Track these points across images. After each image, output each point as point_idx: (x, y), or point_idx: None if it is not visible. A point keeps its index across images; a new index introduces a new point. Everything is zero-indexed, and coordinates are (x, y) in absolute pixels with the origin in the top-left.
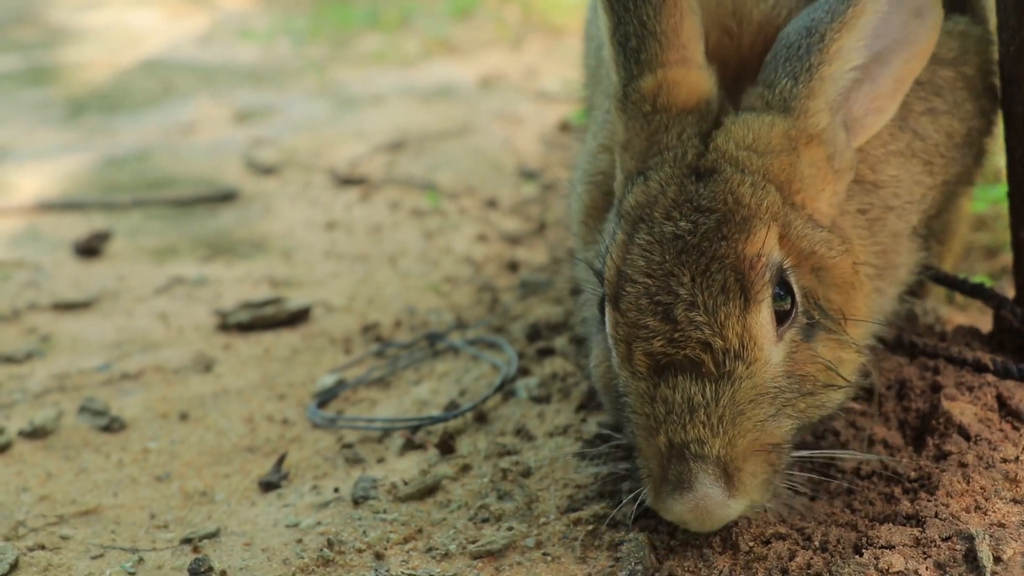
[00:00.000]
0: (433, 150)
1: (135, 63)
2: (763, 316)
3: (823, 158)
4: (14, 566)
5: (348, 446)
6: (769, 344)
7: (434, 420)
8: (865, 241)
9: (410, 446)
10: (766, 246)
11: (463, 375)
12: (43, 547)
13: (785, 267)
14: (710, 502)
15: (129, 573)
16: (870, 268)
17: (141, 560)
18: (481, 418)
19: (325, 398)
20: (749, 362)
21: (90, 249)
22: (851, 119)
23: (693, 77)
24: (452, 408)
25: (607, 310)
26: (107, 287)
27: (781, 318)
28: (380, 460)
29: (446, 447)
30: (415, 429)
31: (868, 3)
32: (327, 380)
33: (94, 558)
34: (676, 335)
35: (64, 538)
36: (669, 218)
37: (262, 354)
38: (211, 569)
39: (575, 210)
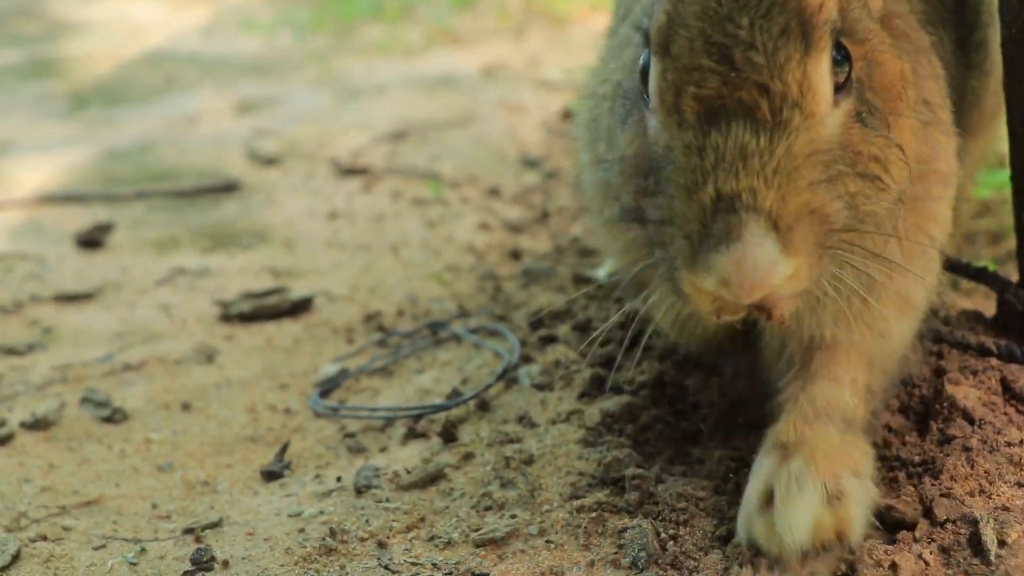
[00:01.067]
0: (436, 140)
1: (137, 55)
2: (823, 66)
3: None
4: (16, 557)
5: (351, 435)
6: (827, 100)
7: (436, 408)
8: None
9: (413, 435)
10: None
11: (465, 363)
12: (45, 538)
13: (842, 35)
14: (760, 255)
15: (131, 563)
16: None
17: (143, 550)
18: (483, 406)
19: (327, 387)
20: (807, 114)
21: (92, 241)
22: None
23: None
24: (454, 396)
25: (653, 62)
26: (109, 278)
27: (838, 86)
28: (383, 449)
29: (448, 435)
30: (417, 418)
31: None
32: (329, 369)
33: (96, 549)
34: (732, 75)
35: (66, 529)
36: None
37: (264, 344)
38: (213, 559)
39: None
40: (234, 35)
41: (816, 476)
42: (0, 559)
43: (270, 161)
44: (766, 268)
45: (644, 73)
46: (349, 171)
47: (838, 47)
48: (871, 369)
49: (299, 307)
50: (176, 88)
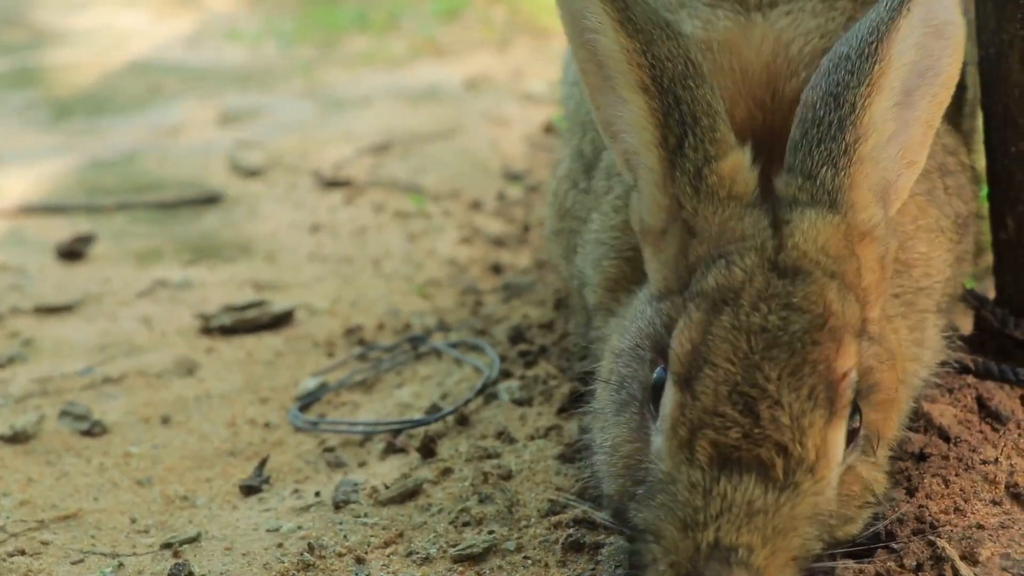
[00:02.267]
0: (419, 152)
1: (122, 65)
2: (841, 432)
3: (877, 258)
4: None
5: (330, 450)
6: (837, 463)
7: (416, 423)
8: (902, 325)
9: (392, 449)
10: (853, 361)
11: (445, 378)
12: (23, 552)
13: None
14: None
15: None
16: (908, 363)
17: (121, 565)
18: (463, 421)
19: (307, 401)
20: (817, 478)
21: (73, 252)
22: (887, 186)
23: (746, 160)
24: (434, 411)
25: (671, 391)
26: (90, 290)
27: (849, 438)
28: (362, 464)
29: (428, 450)
30: (397, 433)
31: (893, 53)
32: (309, 383)
33: (74, 563)
34: (755, 431)
35: (44, 543)
36: (757, 309)
37: (245, 357)
38: (191, 574)
39: (592, 277)
40: (219, 45)
41: None
42: None
43: (253, 173)
44: None
45: (656, 389)
46: (332, 183)
47: (854, 402)
48: None
49: (280, 320)
50: (160, 98)
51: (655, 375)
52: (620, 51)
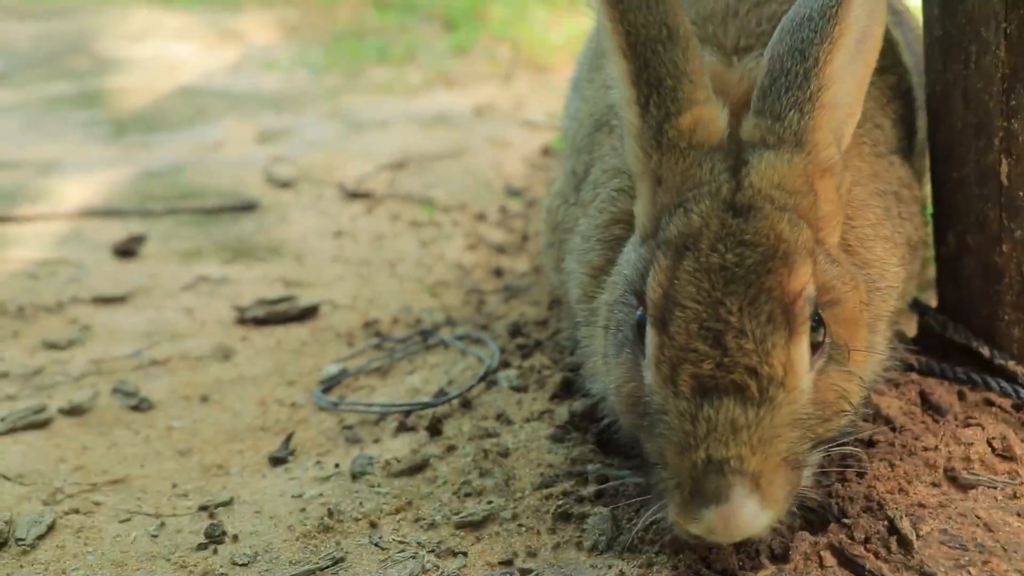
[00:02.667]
0: (431, 169)
1: (172, 89)
2: (803, 347)
3: (834, 189)
4: (51, 527)
5: (348, 427)
6: (805, 372)
7: (425, 405)
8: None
9: (403, 428)
10: (806, 281)
11: (451, 367)
12: (77, 511)
13: (816, 301)
14: (744, 512)
15: (152, 536)
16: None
17: (163, 524)
18: (466, 404)
19: (329, 385)
20: (789, 389)
21: (127, 250)
22: (840, 130)
23: (716, 115)
24: (441, 395)
25: (650, 333)
26: (141, 284)
27: (813, 348)
28: (376, 440)
29: (435, 429)
30: (408, 413)
31: (851, 17)
32: (331, 369)
33: (122, 522)
34: (725, 360)
35: (96, 504)
36: (715, 250)
37: (275, 345)
38: (224, 533)
39: (577, 271)
40: (257, 73)
41: None
42: (37, 529)
43: (285, 184)
44: (748, 522)
45: (640, 329)
46: (354, 195)
47: (815, 316)
48: None
49: (306, 314)
50: (205, 118)
51: (637, 317)
52: (605, 20)
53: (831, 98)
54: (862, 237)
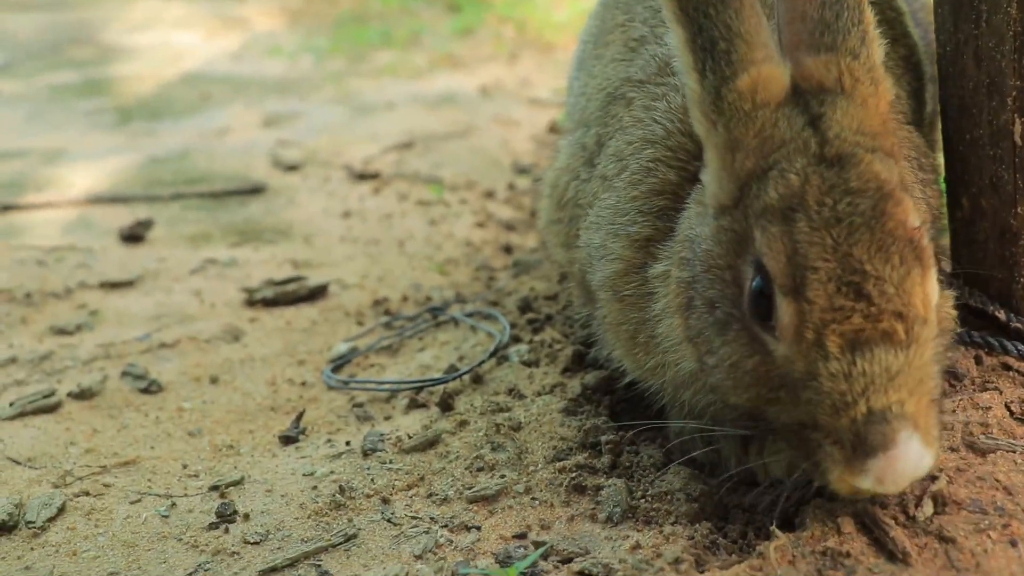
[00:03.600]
0: (438, 149)
1: (177, 76)
2: (934, 279)
3: (888, 104)
4: (62, 509)
5: (359, 405)
6: (937, 303)
7: (436, 382)
8: None
9: (414, 405)
10: (915, 211)
11: (462, 343)
12: (87, 493)
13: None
14: (912, 456)
15: (163, 516)
16: None
17: (174, 504)
18: (477, 380)
19: (339, 364)
20: (931, 324)
21: (134, 236)
22: None
23: (778, 72)
24: (452, 371)
25: (783, 303)
26: (148, 268)
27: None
28: (387, 417)
29: (446, 405)
30: (419, 390)
31: None
32: (341, 348)
33: (132, 503)
34: (872, 309)
35: (106, 485)
36: (823, 204)
37: (284, 326)
38: (236, 512)
39: (611, 248)
40: (261, 59)
41: None
42: (47, 511)
43: (292, 167)
44: (916, 465)
45: (757, 301)
46: (361, 176)
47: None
48: None
49: (315, 293)
50: (210, 105)
51: (753, 286)
52: None
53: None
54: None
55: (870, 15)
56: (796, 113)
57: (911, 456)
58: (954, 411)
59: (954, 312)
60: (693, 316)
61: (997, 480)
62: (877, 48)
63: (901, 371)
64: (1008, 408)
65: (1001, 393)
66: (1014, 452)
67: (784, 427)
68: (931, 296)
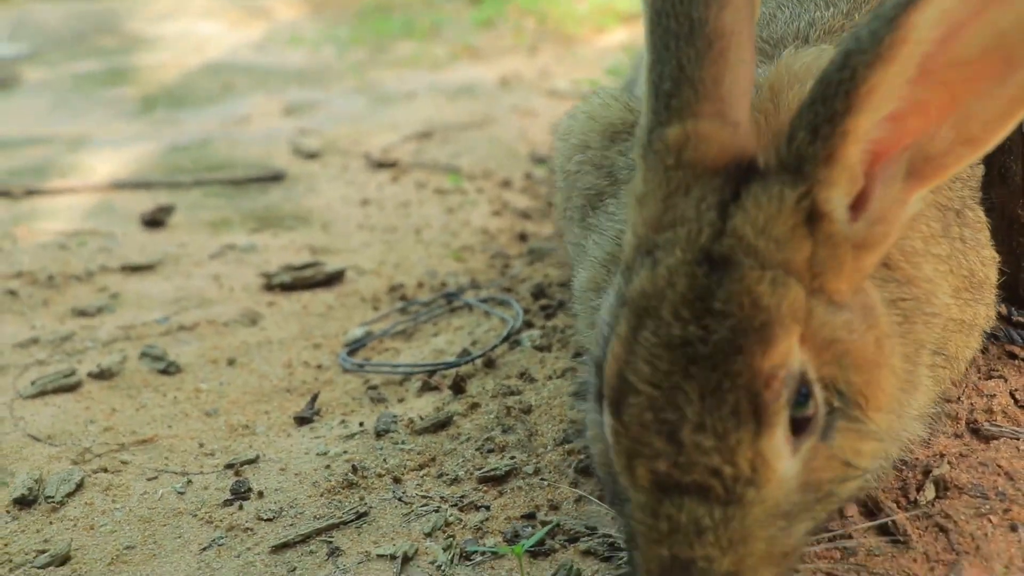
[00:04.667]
0: (457, 139)
1: (200, 66)
2: (777, 439)
3: (840, 234)
4: (80, 485)
5: (373, 388)
6: (783, 464)
7: (448, 365)
8: (896, 334)
9: (427, 388)
10: (785, 358)
11: (475, 328)
12: (106, 470)
13: (805, 370)
14: None
15: (179, 492)
16: (899, 349)
17: (190, 482)
18: (489, 364)
19: (355, 347)
20: (760, 486)
21: (155, 221)
22: (920, 161)
23: (727, 134)
24: (464, 355)
25: (607, 417)
26: (169, 253)
27: (800, 425)
28: (400, 400)
29: (458, 388)
30: (432, 373)
31: (913, 23)
32: (357, 332)
33: (149, 480)
34: (681, 459)
35: (124, 463)
36: (679, 318)
37: (301, 310)
38: (250, 489)
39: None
40: (283, 49)
41: None
42: (66, 487)
43: (311, 155)
44: None
45: (600, 400)
46: (380, 164)
47: (800, 390)
48: None
49: (332, 279)
50: (232, 94)
51: (596, 387)
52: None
53: (861, 127)
54: (908, 251)
55: (849, 101)
56: (718, 187)
57: None
58: (959, 399)
59: (868, 451)
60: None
61: (999, 466)
62: (833, 134)
63: (714, 528)
64: (1013, 396)
65: (1006, 381)
66: (1017, 439)
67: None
68: (769, 457)
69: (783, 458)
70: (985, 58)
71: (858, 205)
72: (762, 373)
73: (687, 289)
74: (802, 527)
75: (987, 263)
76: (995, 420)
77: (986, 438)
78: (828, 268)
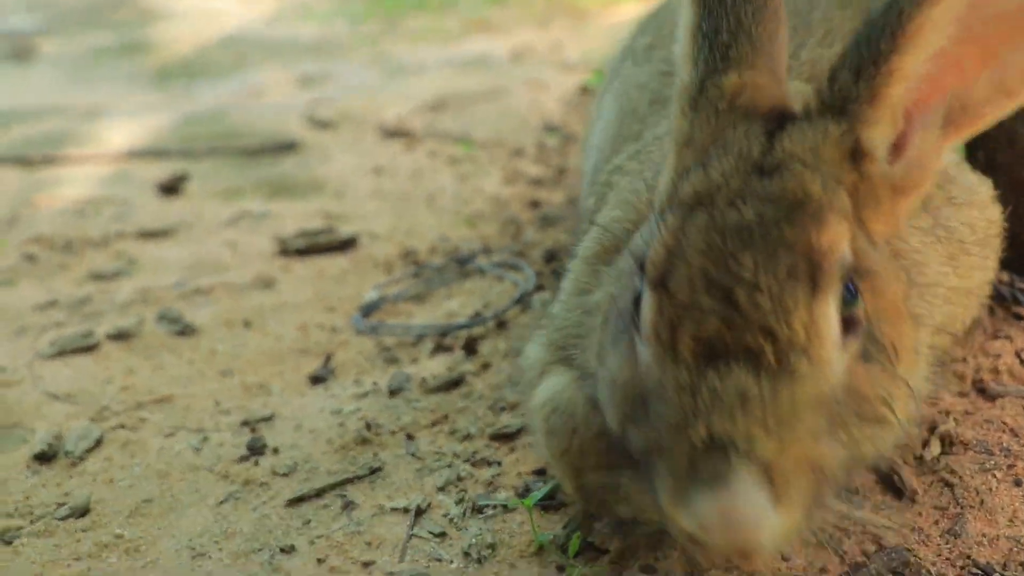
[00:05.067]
0: (469, 110)
1: (214, 39)
2: (831, 309)
3: (880, 173)
4: (99, 441)
5: (387, 349)
6: (835, 344)
7: (461, 327)
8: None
9: (440, 349)
10: (837, 242)
11: (487, 291)
12: (123, 427)
13: (854, 268)
14: (749, 507)
15: (195, 449)
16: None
17: (206, 439)
18: (501, 325)
19: (368, 310)
20: (814, 360)
21: (170, 188)
22: (958, 110)
23: (775, 86)
24: (476, 317)
25: (647, 296)
26: (184, 219)
27: (847, 324)
28: (413, 360)
29: (470, 349)
30: (444, 334)
31: None
32: (371, 295)
33: (166, 436)
34: (735, 319)
35: (142, 420)
36: (733, 205)
37: (316, 274)
38: (265, 446)
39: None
40: (296, 23)
41: None
42: (85, 443)
43: (325, 125)
44: (752, 522)
45: (637, 302)
46: (393, 134)
47: (848, 287)
48: None
49: (346, 244)
50: (246, 66)
51: (635, 288)
52: None
53: (907, 66)
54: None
55: (895, 41)
56: (764, 123)
57: (747, 508)
58: (965, 359)
59: (901, 399)
60: (603, 331)
61: (1004, 423)
62: (877, 75)
63: (760, 399)
64: (1018, 356)
65: (1012, 341)
66: (1022, 397)
67: (638, 454)
68: (822, 327)
69: (835, 336)
70: (1022, 11)
71: (897, 148)
72: (818, 245)
73: (741, 185)
74: (840, 447)
75: (975, 227)
76: (1001, 379)
77: (992, 396)
78: (868, 205)
